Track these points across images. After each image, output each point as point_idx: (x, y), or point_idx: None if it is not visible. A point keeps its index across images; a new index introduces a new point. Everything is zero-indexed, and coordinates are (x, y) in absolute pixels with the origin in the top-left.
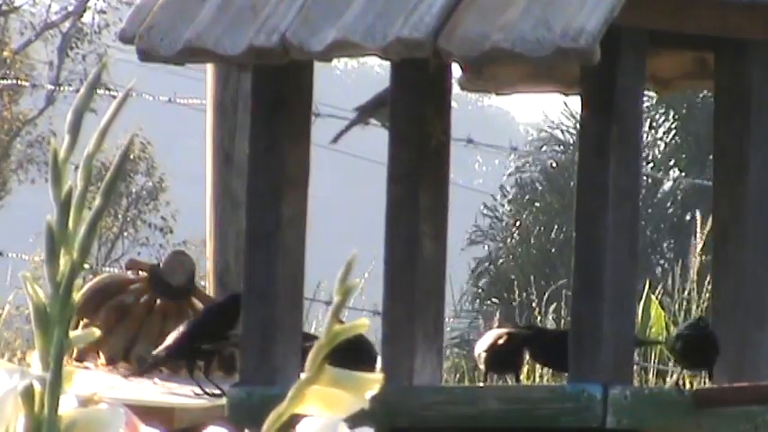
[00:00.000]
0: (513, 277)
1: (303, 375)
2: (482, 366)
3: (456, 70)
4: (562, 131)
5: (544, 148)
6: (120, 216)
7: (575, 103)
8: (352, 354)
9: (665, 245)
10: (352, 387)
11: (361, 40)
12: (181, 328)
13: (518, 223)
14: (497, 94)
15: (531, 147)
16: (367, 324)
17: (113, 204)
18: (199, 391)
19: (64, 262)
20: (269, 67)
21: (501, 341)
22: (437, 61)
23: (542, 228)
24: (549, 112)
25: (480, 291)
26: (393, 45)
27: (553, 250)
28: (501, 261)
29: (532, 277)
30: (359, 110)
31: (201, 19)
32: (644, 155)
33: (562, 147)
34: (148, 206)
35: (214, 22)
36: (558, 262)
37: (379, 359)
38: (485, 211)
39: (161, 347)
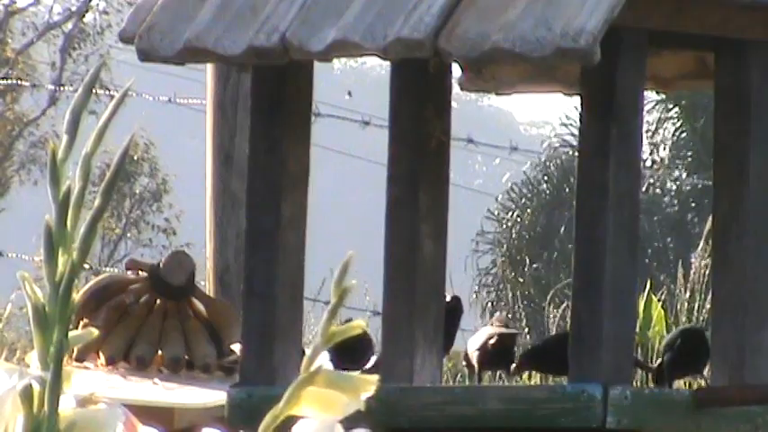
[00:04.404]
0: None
1: (299, 376)
2: (475, 364)
3: (456, 70)
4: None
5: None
6: (123, 217)
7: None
8: (348, 349)
9: (665, 245)
10: (347, 389)
11: (361, 40)
12: None
13: (520, 221)
14: (497, 94)
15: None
16: (362, 326)
17: (117, 205)
18: None
19: (62, 261)
20: (269, 67)
21: (492, 341)
22: (437, 61)
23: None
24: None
25: (488, 303)
26: (393, 45)
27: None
28: (504, 260)
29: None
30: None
31: (201, 19)
32: (645, 154)
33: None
34: (152, 207)
35: (214, 22)
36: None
37: (373, 356)
38: (486, 214)
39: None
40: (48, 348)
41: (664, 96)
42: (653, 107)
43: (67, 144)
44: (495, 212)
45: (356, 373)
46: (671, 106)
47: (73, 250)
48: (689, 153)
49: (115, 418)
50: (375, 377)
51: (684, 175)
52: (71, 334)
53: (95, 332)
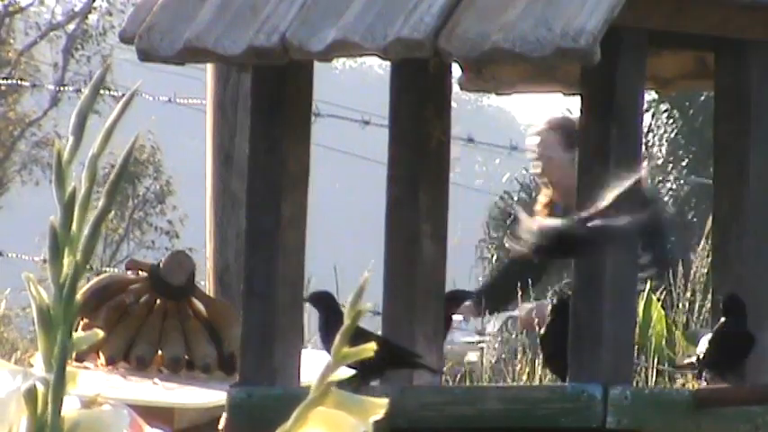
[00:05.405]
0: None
1: (309, 396)
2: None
3: (456, 70)
4: None
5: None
6: (125, 218)
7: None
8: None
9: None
10: (356, 410)
11: (361, 40)
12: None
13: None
14: (497, 94)
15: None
16: (374, 347)
17: (120, 206)
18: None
19: (67, 263)
20: (269, 67)
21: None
22: (437, 61)
23: None
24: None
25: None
26: (393, 45)
27: None
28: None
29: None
30: None
31: (201, 19)
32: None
33: None
34: (155, 209)
35: (214, 22)
36: None
37: None
38: (488, 220)
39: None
40: (52, 349)
41: (657, 96)
42: (648, 107)
43: (73, 145)
44: (495, 218)
45: (366, 396)
46: (664, 108)
47: (77, 251)
48: (686, 153)
49: (120, 420)
50: (385, 400)
51: (675, 173)
52: (76, 335)
53: (100, 333)
